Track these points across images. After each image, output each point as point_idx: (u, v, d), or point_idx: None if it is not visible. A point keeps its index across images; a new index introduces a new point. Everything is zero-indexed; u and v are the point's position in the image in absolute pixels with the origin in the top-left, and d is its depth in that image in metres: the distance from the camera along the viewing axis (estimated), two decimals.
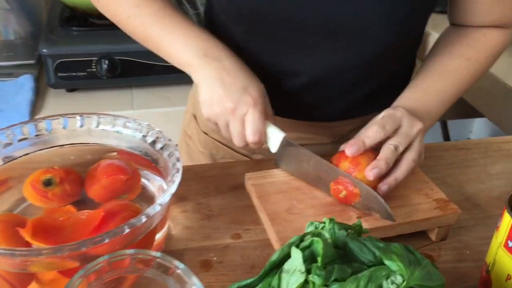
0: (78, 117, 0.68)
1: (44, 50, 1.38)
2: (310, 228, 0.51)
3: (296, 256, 0.44)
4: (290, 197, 0.66)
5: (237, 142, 0.68)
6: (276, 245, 0.61)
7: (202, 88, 0.69)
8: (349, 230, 0.50)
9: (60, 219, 0.57)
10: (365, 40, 0.70)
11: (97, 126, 0.68)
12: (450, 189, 0.76)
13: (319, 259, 0.43)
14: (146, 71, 1.43)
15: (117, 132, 0.67)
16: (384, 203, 0.62)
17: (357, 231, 0.51)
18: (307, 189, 0.68)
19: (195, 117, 0.92)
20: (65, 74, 1.40)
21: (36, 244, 0.54)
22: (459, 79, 0.74)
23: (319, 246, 0.44)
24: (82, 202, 0.64)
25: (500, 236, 0.52)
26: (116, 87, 1.48)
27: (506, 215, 0.51)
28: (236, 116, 0.66)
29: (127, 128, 0.67)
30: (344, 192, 0.64)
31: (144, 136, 0.66)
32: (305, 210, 0.64)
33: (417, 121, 0.68)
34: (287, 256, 0.46)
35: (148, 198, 0.65)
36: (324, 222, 0.50)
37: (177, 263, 0.43)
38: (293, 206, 0.65)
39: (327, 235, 0.49)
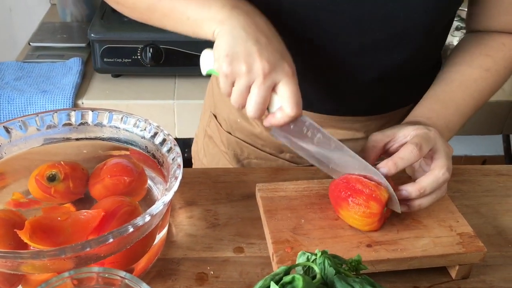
0: (90, 112, 0.66)
1: (92, 35, 1.39)
2: (301, 259, 0.47)
3: None
4: (298, 215, 0.62)
5: (253, 111, 0.58)
6: (275, 266, 0.57)
7: (226, 40, 0.57)
8: (343, 266, 0.46)
9: (58, 219, 0.56)
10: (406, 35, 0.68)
11: (108, 122, 0.66)
12: (481, 220, 0.68)
13: None
14: (190, 61, 1.41)
15: (127, 130, 0.66)
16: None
17: (354, 267, 0.46)
18: (318, 208, 0.63)
19: (215, 116, 0.89)
20: (111, 60, 1.42)
21: (34, 246, 0.53)
22: (478, 91, 0.71)
23: (299, 285, 0.40)
24: (82, 201, 0.63)
25: None
26: (160, 75, 1.48)
27: None
28: (269, 81, 0.56)
29: (137, 127, 0.65)
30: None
31: (152, 137, 0.64)
32: (312, 232, 0.60)
33: (448, 144, 0.62)
34: None
35: (152, 202, 0.63)
36: (316, 254, 0.45)
37: (144, 286, 0.40)
38: (300, 225, 0.61)
39: (316, 269, 0.44)
